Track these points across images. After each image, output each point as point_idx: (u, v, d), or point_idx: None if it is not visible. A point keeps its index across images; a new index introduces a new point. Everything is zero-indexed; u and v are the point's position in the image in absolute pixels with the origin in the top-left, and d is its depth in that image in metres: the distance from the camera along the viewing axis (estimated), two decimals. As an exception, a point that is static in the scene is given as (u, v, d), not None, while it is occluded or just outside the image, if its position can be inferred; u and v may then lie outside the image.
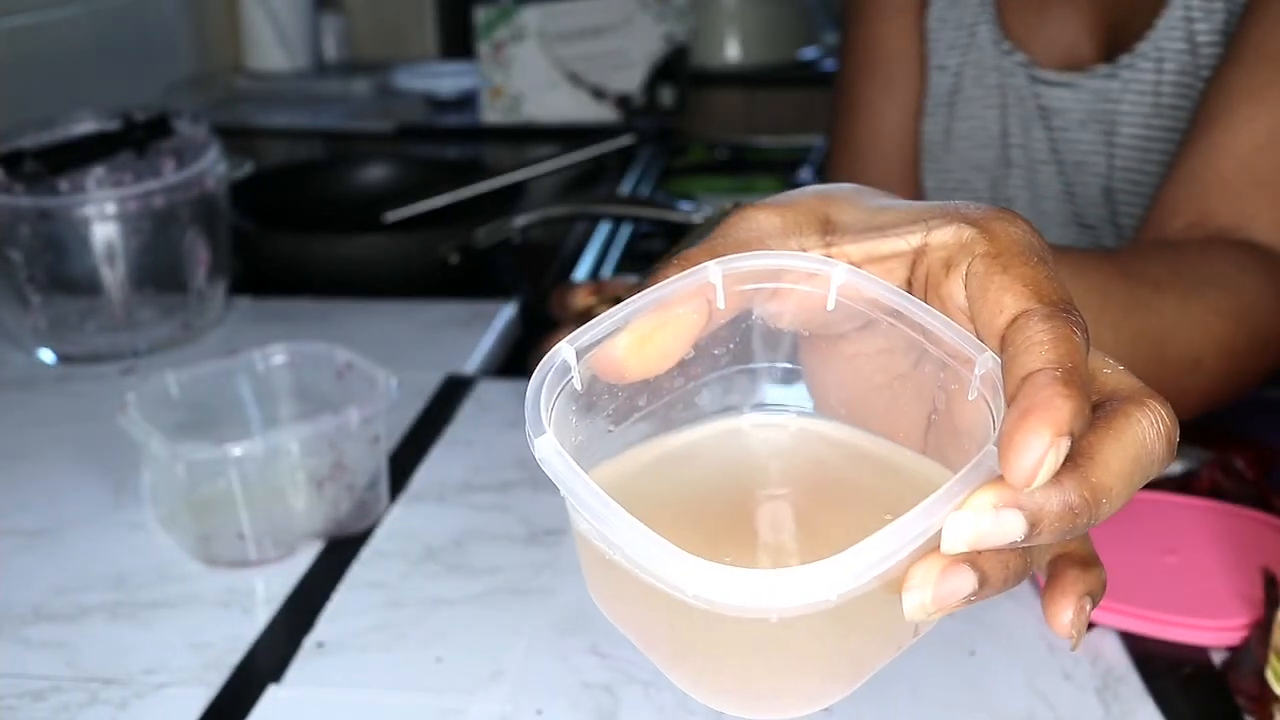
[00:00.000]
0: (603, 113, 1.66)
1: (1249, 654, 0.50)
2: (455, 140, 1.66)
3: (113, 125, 0.92)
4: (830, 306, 0.32)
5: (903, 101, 0.90)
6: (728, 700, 0.31)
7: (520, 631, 0.55)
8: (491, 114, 1.65)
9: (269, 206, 1.10)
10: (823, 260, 0.32)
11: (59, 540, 0.64)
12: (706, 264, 0.32)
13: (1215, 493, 0.62)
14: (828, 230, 0.34)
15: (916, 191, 0.91)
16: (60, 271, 0.86)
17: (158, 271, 0.88)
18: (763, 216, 0.34)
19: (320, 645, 0.55)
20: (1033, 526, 0.27)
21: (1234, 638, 0.52)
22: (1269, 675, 0.47)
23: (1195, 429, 0.66)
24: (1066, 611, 0.31)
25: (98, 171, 0.87)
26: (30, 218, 0.83)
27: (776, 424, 0.36)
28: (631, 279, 0.76)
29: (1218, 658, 0.52)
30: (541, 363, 0.31)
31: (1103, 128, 0.80)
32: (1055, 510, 0.28)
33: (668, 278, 0.32)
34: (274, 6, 1.81)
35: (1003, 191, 0.86)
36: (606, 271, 1.22)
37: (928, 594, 0.27)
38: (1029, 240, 0.32)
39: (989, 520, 0.27)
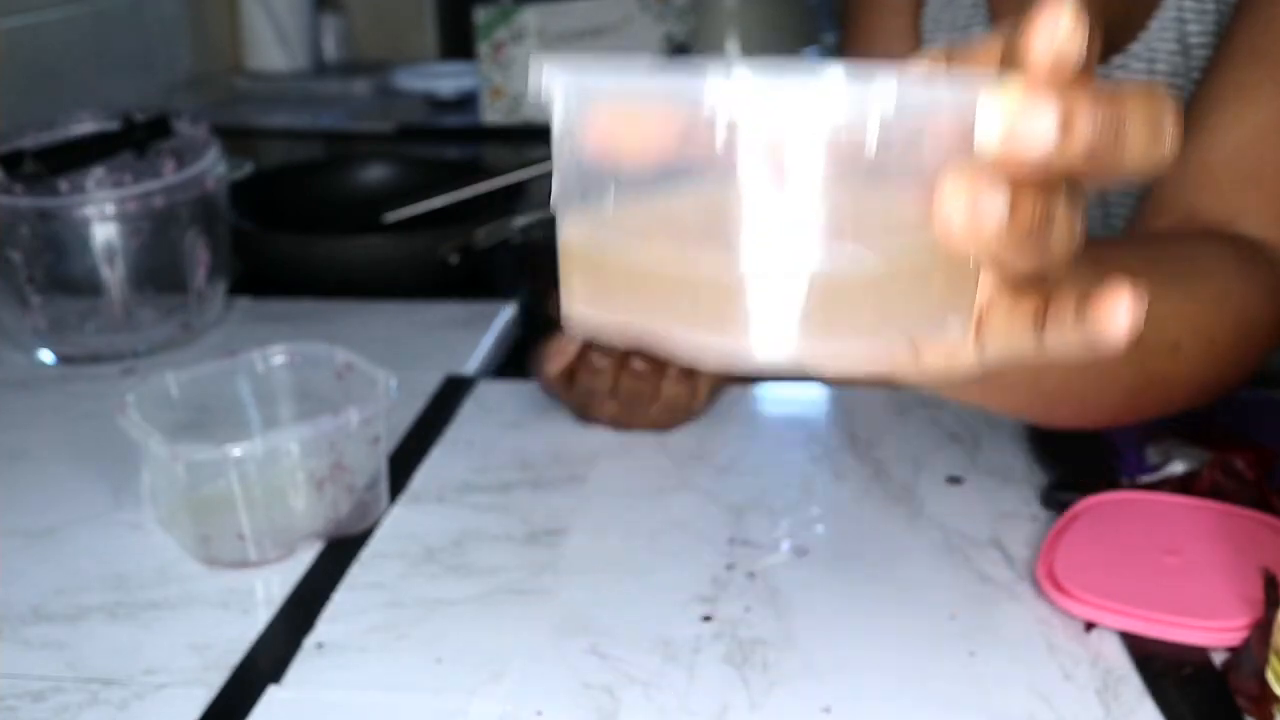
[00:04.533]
0: (603, 113, 1.66)
1: (1249, 655, 0.50)
2: (455, 141, 1.66)
3: (112, 126, 0.92)
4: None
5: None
6: (739, 349, 0.30)
7: (520, 632, 0.55)
8: (492, 114, 1.65)
9: (269, 207, 1.10)
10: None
11: (59, 541, 0.64)
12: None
13: (1216, 493, 0.62)
14: None
15: None
16: (60, 272, 0.86)
17: (157, 272, 0.88)
18: None
19: (320, 646, 0.55)
20: (1064, 127, 0.28)
21: (1234, 638, 0.52)
22: (1269, 676, 0.47)
23: (1196, 430, 0.67)
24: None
25: (97, 172, 0.86)
26: (30, 218, 0.83)
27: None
28: None
29: (1218, 658, 0.52)
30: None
31: None
32: (1086, 107, 0.28)
33: None
34: (274, 7, 1.81)
35: None
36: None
37: (960, 205, 0.28)
38: None
39: (1020, 106, 0.28)
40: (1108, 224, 0.81)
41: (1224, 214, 0.66)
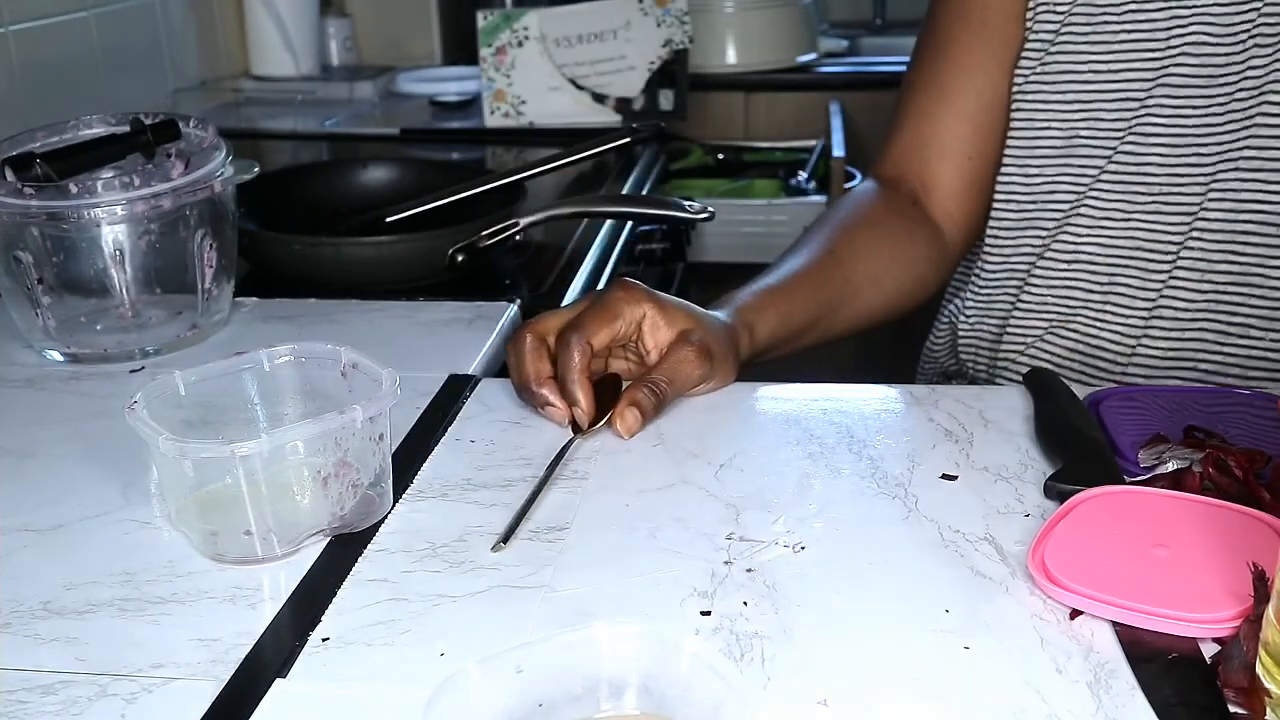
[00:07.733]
0: (603, 116, 1.67)
1: (1239, 648, 0.51)
2: (458, 143, 1.67)
3: (121, 128, 0.93)
4: None
5: (995, 50, 0.90)
6: None
7: (522, 627, 0.56)
8: (494, 117, 1.66)
9: (274, 208, 1.11)
10: None
11: (69, 537, 0.65)
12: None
13: (1207, 489, 0.63)
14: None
15: (999, 133, 0.92)
16: (70, 273, 0.87)
17: (165, 273, 0.89)
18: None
19: (325, 640, 0.56)
20: None
21: (1224, 631, 0.52)
22: (1258, 669, 0.47)
23: (1189, 435, 0.67)
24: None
25: (106, 174, 0.87)
26: (40, 220, 0.84)
27: None
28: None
29: (1208, 651, 0.53)
30: None
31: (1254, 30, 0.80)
32: None
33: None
34: (280, 13, 1.82)
35: (1114, 127, 0.86)
36: (606, 271, 1.22)
37: None
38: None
39: None
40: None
41: None
